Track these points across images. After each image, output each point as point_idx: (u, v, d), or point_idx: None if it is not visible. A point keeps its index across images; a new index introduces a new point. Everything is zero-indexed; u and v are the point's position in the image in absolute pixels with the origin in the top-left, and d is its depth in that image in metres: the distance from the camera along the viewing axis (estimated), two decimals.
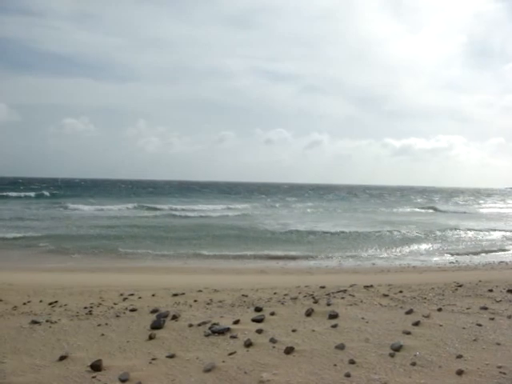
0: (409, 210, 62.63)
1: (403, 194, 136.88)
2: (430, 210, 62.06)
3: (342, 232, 31.89)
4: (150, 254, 22.17)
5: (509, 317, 6.76)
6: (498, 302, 7.90)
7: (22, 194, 67.31)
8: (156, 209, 50.35)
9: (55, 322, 7.10)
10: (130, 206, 51.59)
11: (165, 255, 21.97)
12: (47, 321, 7.19)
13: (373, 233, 32.04)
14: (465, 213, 59.27)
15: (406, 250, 25.32)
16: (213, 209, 52.88)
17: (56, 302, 9.09)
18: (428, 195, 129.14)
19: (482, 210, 65.71)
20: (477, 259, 21.92)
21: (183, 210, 50.31)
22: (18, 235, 25.59)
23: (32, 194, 68.01)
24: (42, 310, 8.24)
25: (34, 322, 7.06)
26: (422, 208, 65.23)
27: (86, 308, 8.33)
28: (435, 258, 22.58)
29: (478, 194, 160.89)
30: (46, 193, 70.95)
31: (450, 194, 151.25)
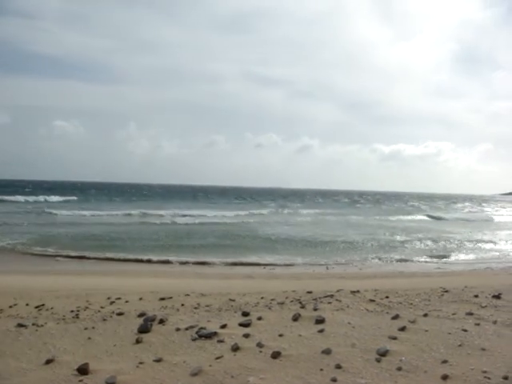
0: (420, 217, 59.97)
1: (403, 200, 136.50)
2: (439, 218, 59.34)
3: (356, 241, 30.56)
4: (139, 258, 22.06)
5: (494, 322, 6.82)
6: (483, 307, 7.96)
7: (12, 197, 65.52)
8: (154, 215, 47.57)
9: (42, 326, 7.08)
10: (127, 212, 49.10)
11: (153, 260, 21.86)
12: (33, 324, 7.17)
13: (388, 240, 31.71)
14: (472, 220, 56.89)
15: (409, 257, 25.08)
16: (230, 215, 50.86)
17: (42, 305, 9.05)
18: (428, 201, 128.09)
19: (492, 217, 63.41)
20: (463, 265, 22.02)
21: (200, 215, 48.20)
22: (5, 242, 25.06)
23: (20, 197, 66.58)
24: (29, 314, 8.20)
25: (21, 326, 7.03)
26: (428, 216, 62.11)
27: (72, 311, 8.30)
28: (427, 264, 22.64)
29: (474, 199, 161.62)
30: (37, 197, 69.16)
31: (446, 199, 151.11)
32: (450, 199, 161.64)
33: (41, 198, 69.58)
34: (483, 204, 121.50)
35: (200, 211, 52.74)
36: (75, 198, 75.23)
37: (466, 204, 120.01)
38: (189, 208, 59.10)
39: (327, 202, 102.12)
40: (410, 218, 58.86)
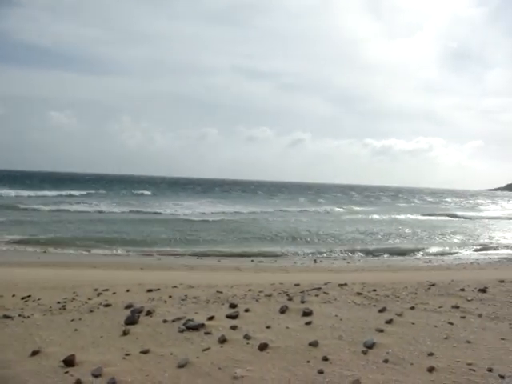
0: (449, 217, 54.96)
1: (404, 194, 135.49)
2: (471, 218, 54.52)
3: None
4: (126, 250, 22.07)
5: (479, 315, 6.88)
6: (469, 301, 8.01)
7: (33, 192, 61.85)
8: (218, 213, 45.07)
9: (28, 317, 7.04)
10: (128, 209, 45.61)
11: (141, 252, 21.88)
12: (20, 315, 7.12)
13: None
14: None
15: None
16: (270, 210, 50.09)
17: (29, 296, 8.99)
18: (437, 197, 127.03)
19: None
20: (450, 259, 22.16)
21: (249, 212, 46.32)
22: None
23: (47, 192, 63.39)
24: (15, 305, 8.14)
25: (6, 317, 6.98)
26: (453, 216, 56.18)
27: (59, 303, 8.25)
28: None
29: (477, 195, 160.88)
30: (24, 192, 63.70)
31: (452, 195, 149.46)
32: (452, 195, 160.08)
33: (63, 192, 65.01)
34: (494, 199, 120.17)
35: (239, 207, 51.81)
36: (92, 191, 71.26)
37: (478, 201, 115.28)
38: (221, 203, 58.58)
39: (345, 198, 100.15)
40: (449, 218, 54.57)
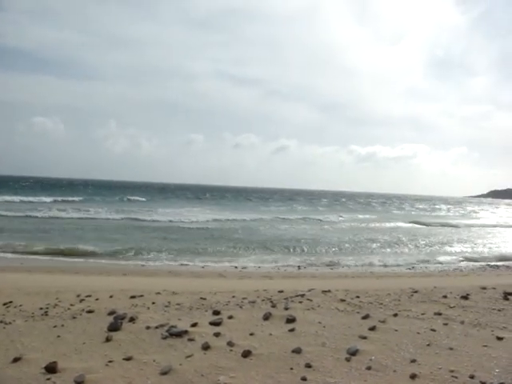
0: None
1: (397, 202, 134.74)
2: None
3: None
4: (109, 255, 21.88)
5: (462, 322, 6.93)
6: (451, 307, 8.08)
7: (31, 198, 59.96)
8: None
9: (9, 323, 6.98)
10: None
11: (125, 257, 21.70)
12: (1, 321, 7.06)
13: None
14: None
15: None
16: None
17: (11, 302, 8.90)
18: (427, 204, 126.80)
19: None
20: (432, 266, 22.26)
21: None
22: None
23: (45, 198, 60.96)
24: None
25: None
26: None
27: (41, 309, 8.19)
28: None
29: (464, 202, 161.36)
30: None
31: (442, 202, 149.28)
32: (441, 201, 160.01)
33: (58, 198, 62.82)
34: (481, 206, 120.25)
35: (238, 214, 49.74)
36: (81, 198, 67.55)
37: (468, 208, 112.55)
38: (218, 210, 56.67)
39: (338, 204, 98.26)
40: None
